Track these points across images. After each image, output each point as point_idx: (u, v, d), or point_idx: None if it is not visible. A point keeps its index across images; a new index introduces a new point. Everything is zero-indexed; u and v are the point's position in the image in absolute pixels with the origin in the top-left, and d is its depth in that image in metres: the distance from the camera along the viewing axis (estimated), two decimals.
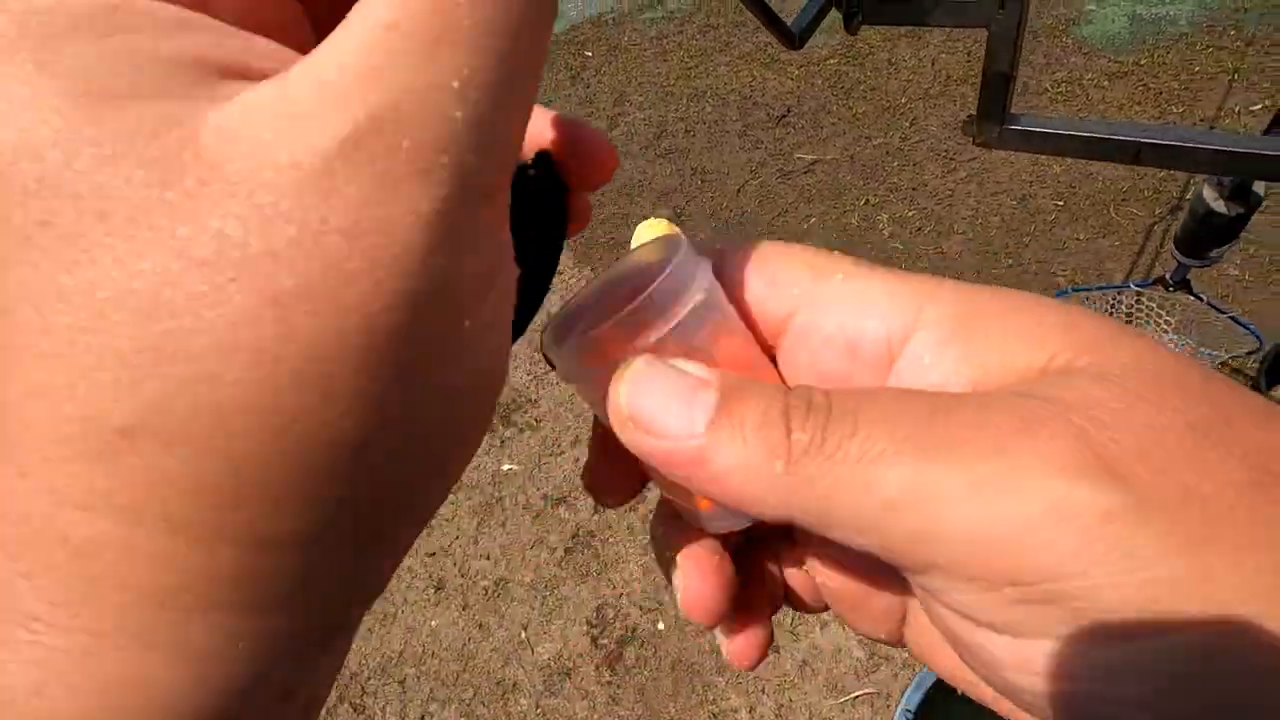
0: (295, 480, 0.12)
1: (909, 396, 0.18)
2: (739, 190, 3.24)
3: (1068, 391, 0.17)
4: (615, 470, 0.26)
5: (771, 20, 0.77)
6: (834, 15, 0.84)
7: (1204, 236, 1.25)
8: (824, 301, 0.22)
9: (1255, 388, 1.94)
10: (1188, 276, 1.55)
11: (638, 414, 0.19)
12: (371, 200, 0.12)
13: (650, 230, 0.62)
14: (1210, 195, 1.19)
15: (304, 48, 0.13)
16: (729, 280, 0.23)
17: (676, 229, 0.61)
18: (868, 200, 2.98)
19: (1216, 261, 1.36)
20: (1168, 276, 1.57)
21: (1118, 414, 0.16)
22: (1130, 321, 1.92)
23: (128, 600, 0.12)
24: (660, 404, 0.19)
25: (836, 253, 0.24)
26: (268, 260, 0.11)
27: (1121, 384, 0.16)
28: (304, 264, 0.12)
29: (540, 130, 0.23)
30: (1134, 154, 0.75)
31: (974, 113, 0.85)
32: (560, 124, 0.24)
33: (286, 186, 0.11)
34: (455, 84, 0.12)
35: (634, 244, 0.64)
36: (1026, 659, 0.17)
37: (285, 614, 0.14)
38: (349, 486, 0.13)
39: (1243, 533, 0.14)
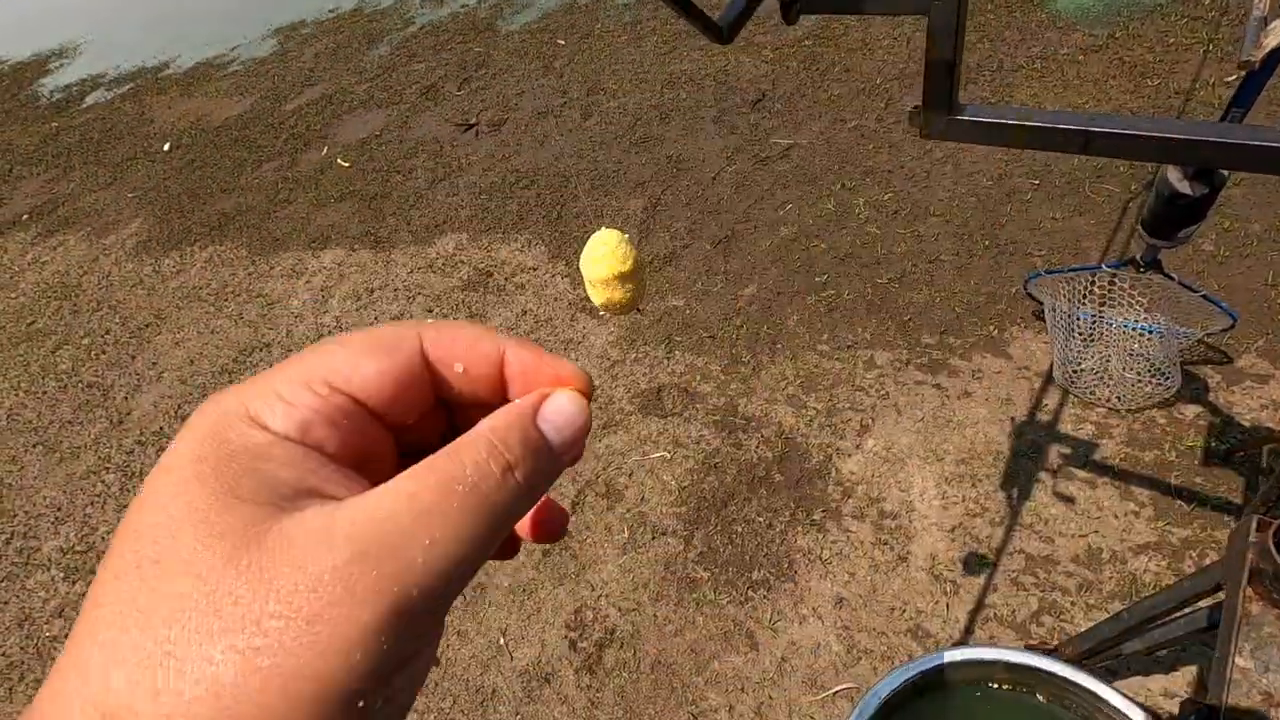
0: None
1: None
2: (715, 178, 3.20)
3: None
4: None
5: (693, 14, 0.73)
6: (768, 3, 0.80)
7: (1170, 218, 1.22)
8: None
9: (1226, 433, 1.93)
10: (1159, 256, 1.52)
11: None
12: (342, 602, 0.19)
13: (602, 243, 0.59)
14: (1175, 176, 1.16)
15: (387, 464, 0.25)
16: None
17: (626, 239, 0.57)
18: (843, 185, 2.95)
19: (1185, 242, 1.33)
20: (1139, 257, 1.55)
21: None
22: (1104, 303, 1.89)
23: None
24: None
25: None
26: (270, 636, 0.19)
27: None
28: (299, 646, 0.19)
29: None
30: (1082, 144, 0.72)
31: (919, 104, 0.81)
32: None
33: (301, 586, 0.19)
34: (426, 541, 0.20)
35: (584, 256, 0.60)
36: None
37: None
38: None
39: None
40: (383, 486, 0.21)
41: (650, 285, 2.76)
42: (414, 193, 3.71)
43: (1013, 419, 1.98)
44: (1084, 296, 1.95)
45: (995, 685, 0.59)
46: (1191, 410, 1.87)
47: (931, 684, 0.76)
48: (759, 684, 1.65)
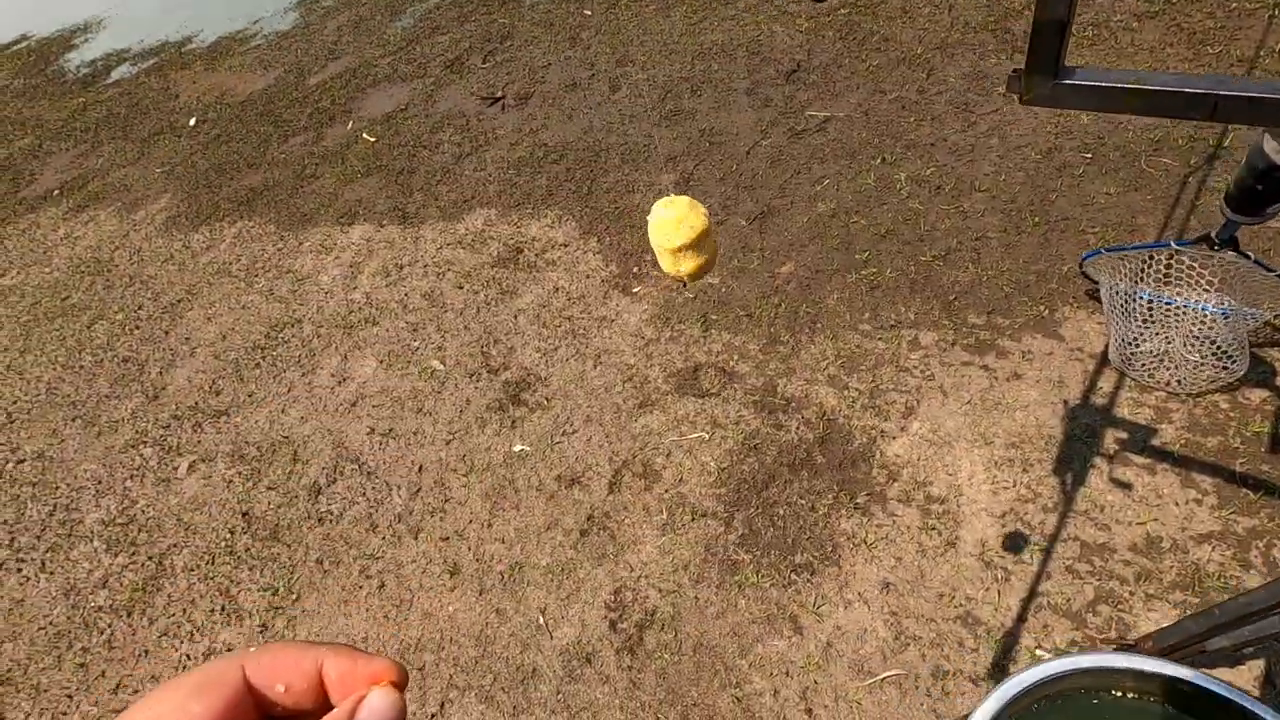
0: None
1: None
2: (749, 151, 3.12)
3: None
4: None
5: None
6: None
7: (1263, 193, 1.15)
8: None
9: None
10: (1236, 234, 1.44)
11: None
12: None
13: (671, 208, 0.55)
14: (1272, 148, 1.08)
15: None
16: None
17: (696, 205, 0.53)
18: (884, 159, 2.85)
19: (1272, 218, 1.26)
20: (1213, 235, 1.47)
21: None
22: (1168, 281, 1.82)
23: None
24: None
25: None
26: None
27: None
28: None
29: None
30: (1209, 109, 0.66)
31: (1020, 67, 0.75)
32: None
33: None
34: None
35: (652, 221, 0.56)
36: None
37: None
38: None
39: None
40: None
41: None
42: (441, 167, 3.67)
43: (1065, 402, 1.92)
44: (1143, 275, 1.87)
45: (1118, 694, 0.55)
46: (1258, 394, 1.80)
47: (1049, 693, 0.69)
48: (804, 668, 1.63)
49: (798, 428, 2.08)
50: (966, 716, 0.65)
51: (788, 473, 1.99)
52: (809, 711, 1.57)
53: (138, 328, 3.30)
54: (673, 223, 0.51)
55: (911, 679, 1.56)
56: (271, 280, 3.33)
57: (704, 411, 2.20)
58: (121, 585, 2.26)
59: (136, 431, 2.78)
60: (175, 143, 4.75)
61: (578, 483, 2.14)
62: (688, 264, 0.55)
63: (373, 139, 4.09)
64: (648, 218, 0.52)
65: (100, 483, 2.62)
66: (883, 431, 2.00)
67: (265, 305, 3.20)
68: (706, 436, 2.14)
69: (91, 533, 2.46)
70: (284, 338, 3.00)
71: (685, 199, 0.53)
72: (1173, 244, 1.63)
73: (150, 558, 2.32)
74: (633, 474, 2.11)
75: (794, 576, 1.78)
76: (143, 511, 2.48)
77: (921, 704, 1.53)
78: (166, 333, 3.22)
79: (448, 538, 2.12)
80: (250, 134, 4.54)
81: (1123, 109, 0.70)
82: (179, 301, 3.38)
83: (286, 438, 2.57)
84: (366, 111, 4.37)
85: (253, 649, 0.31)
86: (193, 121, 4.93)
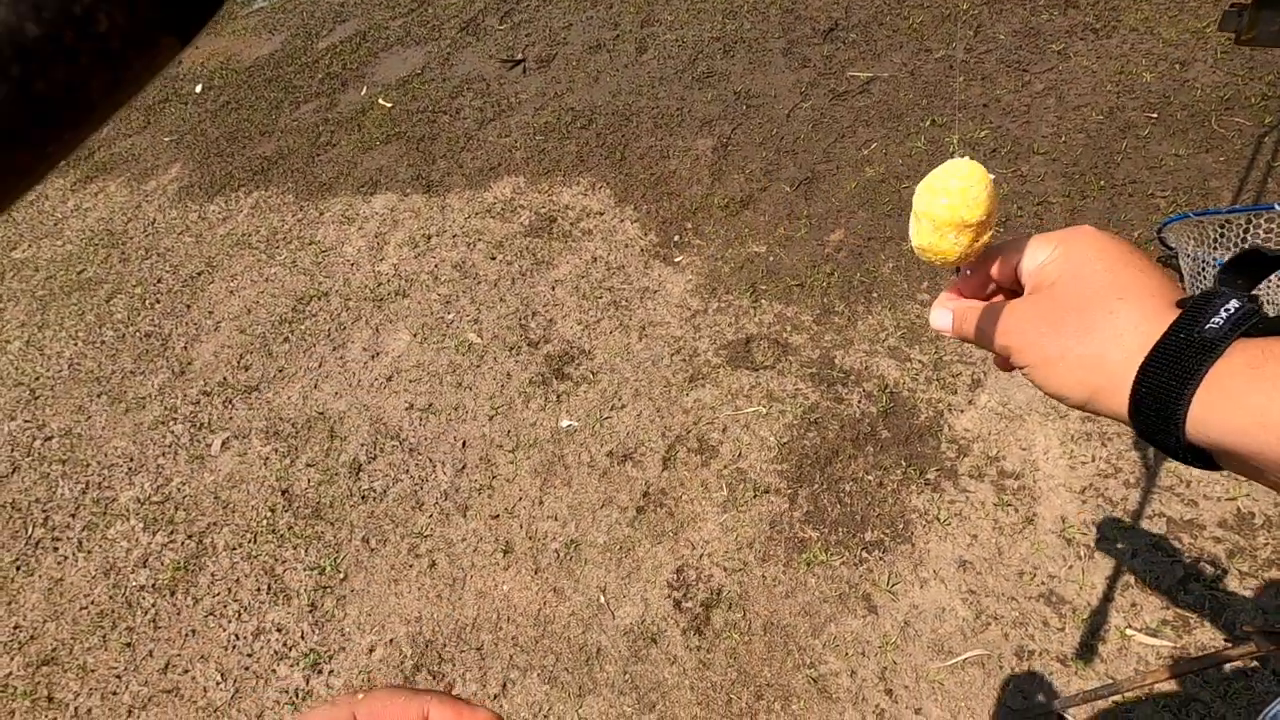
0: None
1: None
2: (789, 115, 3.00)
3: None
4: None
5: None
6: None
7: None
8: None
9: None
10: None
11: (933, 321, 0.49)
12: None
13: (959, 177, 0.47)
14: None
15: None
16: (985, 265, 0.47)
17: (991, 181, 0.46)
18: (933, 121, 2.74)
19: None
20: None
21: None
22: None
23: None
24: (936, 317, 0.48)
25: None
26: None
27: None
28: None
29: None
30: None
31: (1237, 2, 0.66)
32: None
33: None
34: None
35: (929, 186, 0.48)
36: None
37: None
38: None
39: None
40: None
41: (734, 233, 2.62)
42: (464, 134, 3.54)
43: None
44: (1221, 242, 1.78)
45: None
46: None
47: None
48: (880, 648, 1.59)
49: (859, 401, 2.01)
50: None
51: (851, 447, 1.93)
52: (889, 692, 1.53)
53: (158, 301, 3.21)
54: (957, 194, 0.44)
55: (995, 659, 1.52)
56: (294, 252, 3.23)
57: (759, 385, 2.14)
58: (162, 564, 2.22)
59: (165, 408, 2.72)
60: (182, 110, 4.60)
61: (630, 459, 2.08)
62: (951, 243, 0.47)
63: (389, 105, 3.95)
64: (922, 187, 0.45)
65: (132, 460, 2.56)
66: (950, 405, 1.94)
67: (289, 277, 3.11)
68: (764, 411, 2.07)
69: (127, 511, 2.41)
70: (311, 311, 2.92)
71: (978, 169, 0.45)
72: (1277, 206, 1.55)
73: (190, 536, 2.27)
74: (688, 449, 2.05)
75: (865, 554, 1.73)
76: (178, 489, 2.42)
77: (1008, 684, 1.49)
78: (188, 306, 3.13)
79: (498, 515, 2.07)
80: (260, 100, 4.39)
81: None
82: (199, 274, 3.29)
83: (321, 414, 2.51)
84: (380, 76, 4.23)
85: (360, 695, 0.32)
86: (199, 88, 4.78)
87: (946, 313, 0.47)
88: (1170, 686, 1.38)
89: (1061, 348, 0.38)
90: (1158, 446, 0.37)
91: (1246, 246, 1.71)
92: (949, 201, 0.44)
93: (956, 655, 1.54)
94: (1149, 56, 2.68)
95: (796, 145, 2.86)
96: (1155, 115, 2.44)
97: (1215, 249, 1.83)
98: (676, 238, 2.67)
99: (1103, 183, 2.30)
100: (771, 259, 2.48)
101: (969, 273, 0.48)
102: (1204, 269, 1.85)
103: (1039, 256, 0.42)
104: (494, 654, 1.80)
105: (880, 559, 1.72)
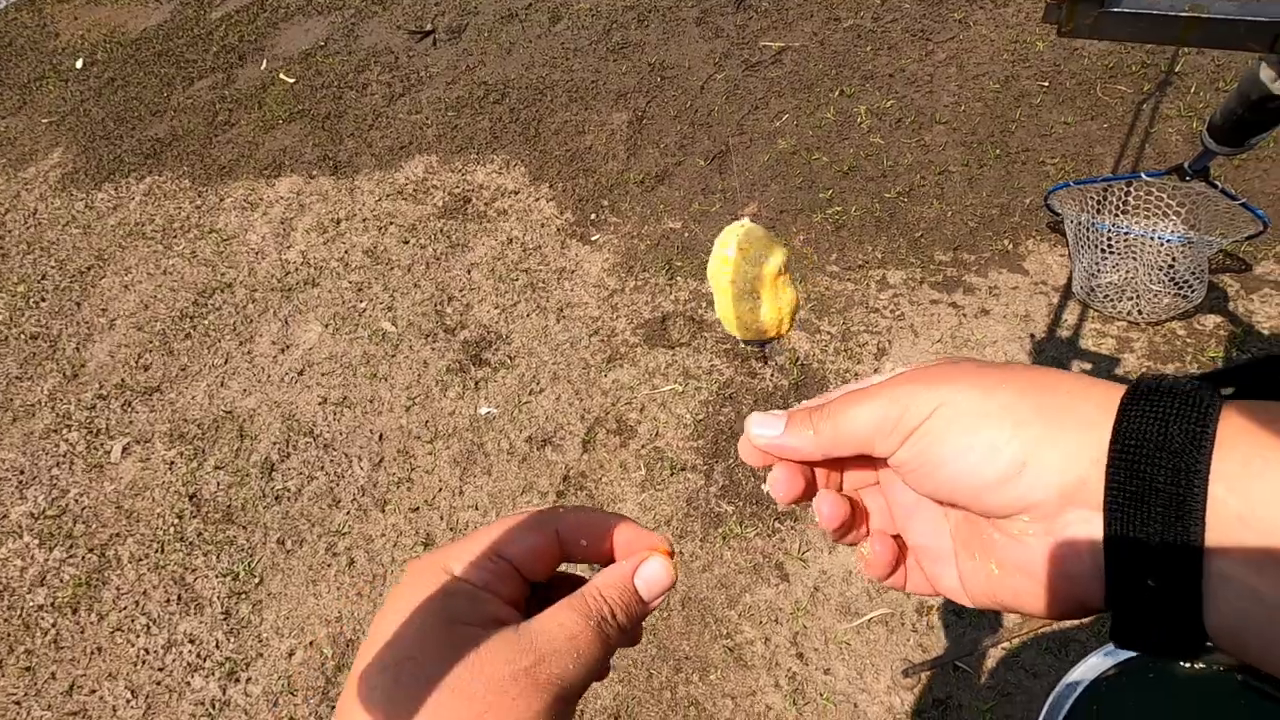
0: None
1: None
2: (703, 86, 2.98)
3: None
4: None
5: None
6: None
7: (1251, 123, 1.13)
8: None
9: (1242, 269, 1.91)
10: (1209, 164, 1.44)
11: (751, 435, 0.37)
12: (529, 690, 0.31)
13: (744, 235, 0.46)
14: (1269, 76, 1.06)
15: (523, 601, 0.36)
16: None
17: (767, 230, 0.46)
18: (842, 91, 2.77)
19: (1251, 149, 1.25)
20: (1187, 165, 1.47)
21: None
22: (1125, 211, 1.83)
23: None
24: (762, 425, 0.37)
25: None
26: (486, 705, 0.31)
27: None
28: (508, 712, 0.31)
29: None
30: (1271, 40, 0.61)
31: None
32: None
33: (507, 677, 0.31)
34: (575, 655, 0.32)
35: (718, 249, 0.47)
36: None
37: None
38: None
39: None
40: (543, 619, 0.33)
41: (650, 210, 2.60)
42: (372, 110, 3.39)
43: (1032, 336, 1.95)
44: (1103, 207, 1.88)
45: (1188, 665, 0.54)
46: (1211, 320, 1.86)
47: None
48: (793, 614, 1.65)
49: (772, 375, 2.06)
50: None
51: None
52: (800, 656, 1.59)
53: (44, 300, 3.00)
54: (738, 262, 0.43)
55: (898, 617, 1.60)
56: (193, 241, 3.05)
57: (675, 363, 2.15)
58: (62, 581, 2.11)
59: (57, 415, 2.55)
60: (62, 88, 4.24)
61: (550, 443, 2.08)
62: (758, 313, 0.46)
63: (291, 80, 3.74)
64: (711, 257, 0.45)
65: (23, 473, 2.41)
66: (856, 374, 2.00)
67: (189, 269, 2.94)
68: (680, 388, 2.09)
69: (20, 527, 2.27)
70: (214, 304, 2.78)
71: (757, 229, 0.45)
72: (1143, 175, 1.63)
73: (91, 550, 2.16)
74: (607, 431, 2.06)
75: (777, 525, 1.78)
76: (75, 501, 2.30)
77: (908, 639, 1.57)
78: (79, 304, 2.94)
79: (417, 508, 2.04)
80: (149, 77, 4.09)
81: (1174, 40, 0.65)
82: (89, 269, 3.08)
83: (229, 413, 2.41)
84: (281, 49, 3.99)
85: (562, 508, 0.37)
86: (79, 64, 4.41)
87: (772, 419, 0.36)
88: (1050, 629, 1.48)
89: (1001, 398, 0.29)
90: (1123, 601, 0.26)
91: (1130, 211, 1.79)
92: (732, 258, 0.44)
93: (862, 615, 1.62)
94: (1042, 26, 2.76)
95: (710, 118, 2.85)
96: (1047, 84, 2.53)
97: (1098, 213, 1.92)
98: (593, 216, 2.64)
99: (998, 151, 2.38)
100: (687, 235, 2.48)
101: (778, 345, 0.47)
102: (1088, 233, 1.94)
103: (918, 411, 0.30)
104: None
105: (792, 528, 1.77)
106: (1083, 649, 1.49)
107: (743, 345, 2.16)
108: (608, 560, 0.37)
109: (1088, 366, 1.86)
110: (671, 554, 0.37)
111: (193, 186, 3.31)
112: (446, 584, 0.33)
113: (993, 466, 0.28)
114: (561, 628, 0.32)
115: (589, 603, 0.34)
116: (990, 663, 1.52)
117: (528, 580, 0.36)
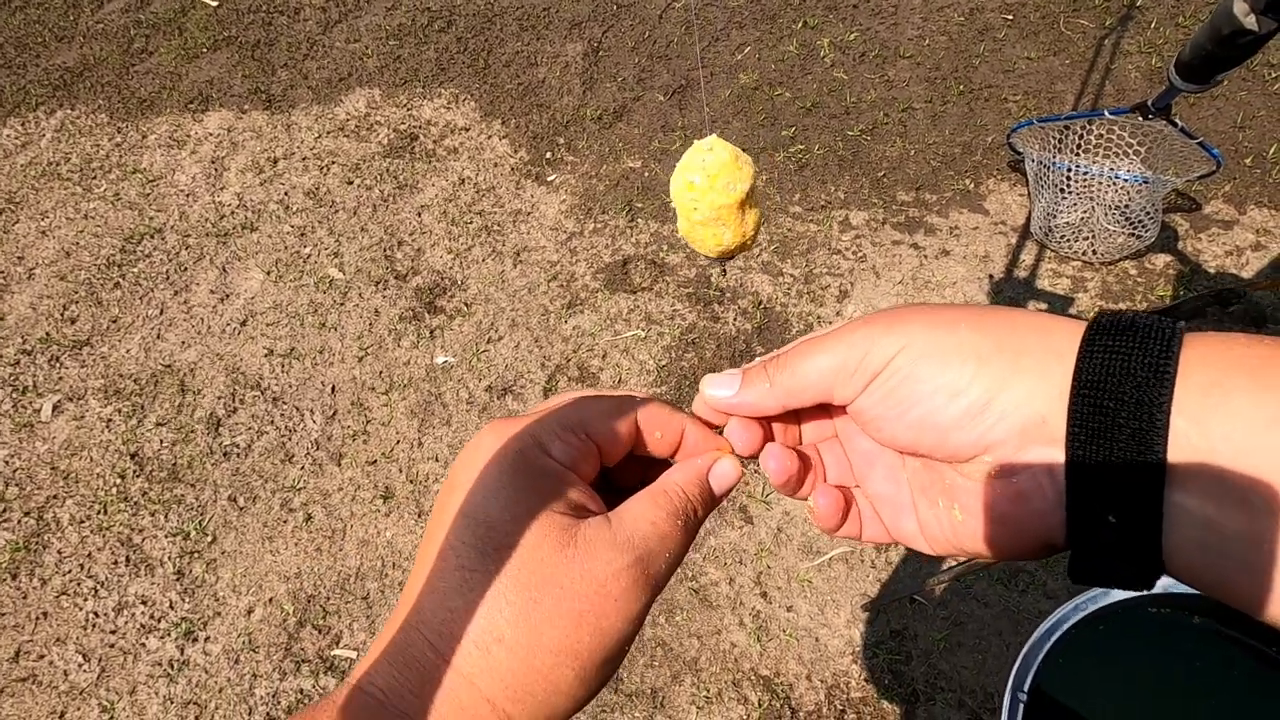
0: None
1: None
2: (661, 16, 2.84)
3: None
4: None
5: None
6: None
7: (1220, 59, 1.12)
8: None
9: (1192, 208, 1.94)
10: (1171, 102, 1.44)
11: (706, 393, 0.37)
12: (631, 590, 0.30)
13: (707, 153, 0.43)
14: (1241, 10, 1.04)
15: (594, 475, 0.35)
16: None
17: (736, 151, 0.43)
18: (805, 23, 2.67)
19: (1216, 86, 1.24)
20: (1150, 103, 1.46)
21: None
22: (1084, 150, 1.83)
23: None
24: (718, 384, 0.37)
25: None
26: (589, 604, 0.30)
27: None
28: (609, 610, 0.30)
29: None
30: None
31: None
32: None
33: (608, 575, 0.30)
34: (667, 554, 0.32)
35: (679, 178, 0.45)
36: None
37: None
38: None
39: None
40: (632, 513, 0.32)
41: (609, 148, 2.50)
42: (306, 38, 3.15)
43: (991, 276, 1.96)
44: (1062, 146, 1.87)
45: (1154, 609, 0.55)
46: (1161, 259, 1.89)
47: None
48: (756, 555, 1.68)
49: (734, 319, 2.04)
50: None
51: (728, 365, 1.95)
52: (764, 595, 1.63)
53: None
54: (708, 178, 0.40)
55: (857, 554, 1.64)
56: (115, 183, 2.83)
57: (637, 308, 2.11)
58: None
59: None
60: None
61: (510, 391, 2.03)
62: (724, 232, 0.44)
63: (214, 3, 3.43)
64: (674, 174, 0.41)
65: None
66: (819, 317, 1.99)
67: (113, 213, 2.73)
68: (642, 334, 2.06)
69: None
70: (144, 251, 2.60)
71: (727, 147, 0.41)
72: (1106, 113, 1.62)
73: (27, 513, 2.06)
74: (568, 378, 2.03)
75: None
76: (6, 463, 2.17)
77: (868, 575, 1.62)
78: None
79: (375, 461, 1.99)
80: None
81: None
82: (0, 213, 2.83)
83: (169, 366, 2.28)
84: None
85: (639, 397, 0.36)
86: None
87: (729, 376, 0.36)
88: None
89: (961, 336, 0.28)
90: (1081, 522, 0.26)
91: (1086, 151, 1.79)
92: (698, 185, 0.41)
93: (824, 554, 1.66)
94: None
95: (670, 50, 2.73)
96: (1011, 17, 2.48)
97: (1058, 152, 1.92)
98: (549, 154, 2.53)
99: (961, 87, 2.35)
100: (647, 174, 2.40)
101: (727, 264, 0.45)
102: (1048, 170, 1.94)
103: (881, 353, 0.30)
104: (381, 601, 1.78)
105: (755, 473, 1.79)
106: (1030, 579, 1.56)
107: (704, 259, 2.14)
108: (671, 455, 0.37)
109: (1044, 306, 1.89)
110: (741, 455, 0.37)
111: (110, 122, 3.05)
112: (537, 459, 0.32)
113: (958, 404, 0.28)
114: (654, 525, 0.32)
115: (674, 499, 0.33)
116: (943, 594, 1.58)
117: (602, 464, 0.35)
